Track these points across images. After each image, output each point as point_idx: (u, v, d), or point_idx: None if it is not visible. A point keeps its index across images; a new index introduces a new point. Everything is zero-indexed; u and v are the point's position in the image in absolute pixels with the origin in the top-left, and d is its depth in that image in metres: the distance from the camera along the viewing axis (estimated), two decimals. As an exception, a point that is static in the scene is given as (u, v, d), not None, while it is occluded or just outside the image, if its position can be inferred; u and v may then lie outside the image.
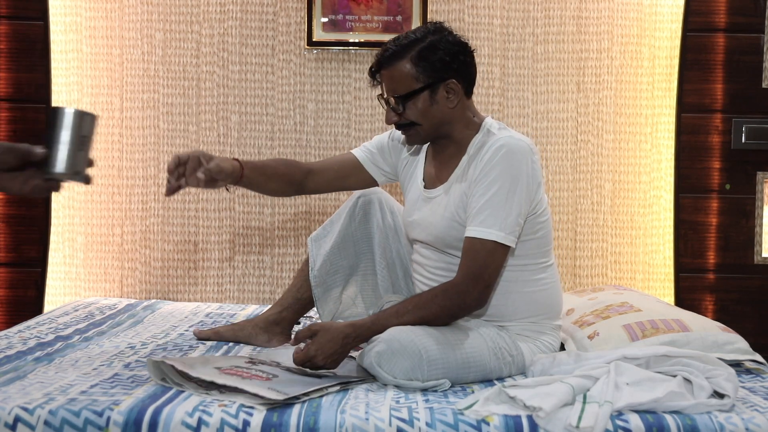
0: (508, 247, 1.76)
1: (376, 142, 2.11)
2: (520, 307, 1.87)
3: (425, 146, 2.01)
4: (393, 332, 1.68)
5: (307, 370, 1.71)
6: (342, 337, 1.69)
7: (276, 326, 2.13)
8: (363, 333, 1.72)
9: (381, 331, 1.70)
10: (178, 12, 2.93)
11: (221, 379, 1.57)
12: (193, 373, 1.60)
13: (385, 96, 1.87)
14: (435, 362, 1.67)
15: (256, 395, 1.51)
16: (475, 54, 1.88)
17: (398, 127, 1.90)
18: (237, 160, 1.90)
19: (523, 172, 1.76)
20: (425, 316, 1.73)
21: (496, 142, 1.78)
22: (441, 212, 1.87)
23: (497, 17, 2.94)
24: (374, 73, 1.87)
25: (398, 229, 2.15)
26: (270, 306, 2.24)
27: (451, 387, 1.69)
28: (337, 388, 1.63)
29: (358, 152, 2.11)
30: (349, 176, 2.10)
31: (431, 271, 1.93)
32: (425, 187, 1.96)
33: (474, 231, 1.75)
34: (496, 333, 1.83)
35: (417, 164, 2.02)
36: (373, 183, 2.13)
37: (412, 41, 1.81)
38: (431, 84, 1.81)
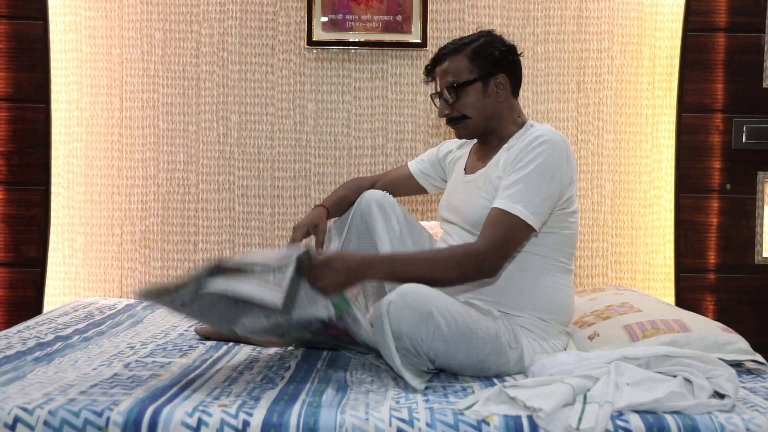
0: (531, 228, 1.80)
1: (429, 153, 2.27)
2: (532, 298, 1.89)
3: (472, 143, 2.12)
4: (410, 287, 1.69)
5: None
6: (359, 259, 1.75)
7: None
8: (377, 265, 1.77)
9: (393, 272, 1.76)
10: (178, 12, 2.93)
11: (235, 287, 1.54)
12: (206, 290, 1.57)
13: (439, 90, 1.98)
14: (440, 326, 1.68)
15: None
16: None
17: (450, 121, 1.99)
18: (323, 206, 2.17)
19: (557, 164, 1.82)
20: (438, 269, 1.76)
21: (536, 131, 1.86)
22: (476, 194, 1.93)
23: (497, 17, 2.93)
24: (430, 70, 2.01)
25: (404, 235, 2.14)
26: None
27: (451, 387, 1.69)
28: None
29: (412, 165, 2.28)
30: (404, 187, 2.30)
31: None
32: (465, 173, 2.05)
33: (501, 203, 1.80)
34: (503, 322, 1.84)
35: (462, 158, 2.13)
36: (423, 191, 2.30)
37: (468, 41, 1.97)
38: (484, 76, 1.93)
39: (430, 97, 2.05)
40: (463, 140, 2.16)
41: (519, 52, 2.00)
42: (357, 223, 2.13)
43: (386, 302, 1.67)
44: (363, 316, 1.78)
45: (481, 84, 1.94)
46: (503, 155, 1.92)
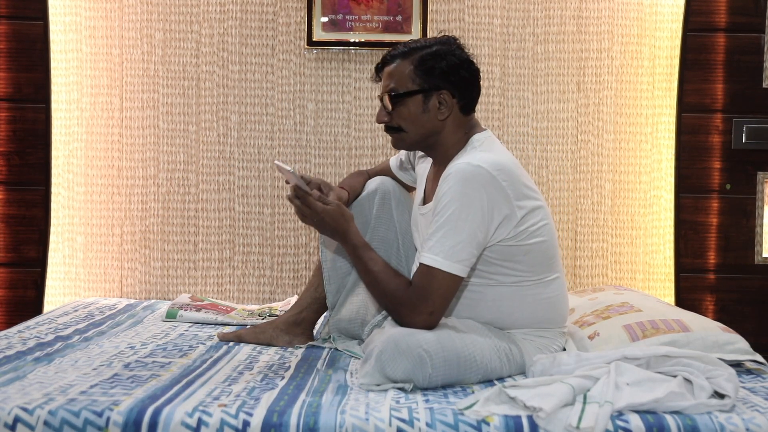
0: (457, 276, 1.73)
1: (404, 156, 2.20)
2: (519, 319, 1.87)
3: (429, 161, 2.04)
4: (395, 333, 1.67)
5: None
6: (342, 230, 1.84)
7: (296, 327, 2.13)
8: (346, 246, 1.86)
9: (353, 260, 1.85)
10: (178, 12, 2.93)
11: None
12: None
13: (380, 93, 1.90)
14: (437, 367, 1.66)
15: None
16: (478, 71, 1.90)
17: (386, 130, 1.92)
18: (343, 188, 2.11)
19: (476, 200, 1.72)
20: (375, 292, 1.83)
21: (455, 166, 1.75)
22: (426, 231, 1.86)
23: (497, 17, 2.93)
24: (379, 69, 1.91)
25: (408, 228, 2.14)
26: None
27: (451, 387, 1.69)
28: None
29: (392, 161, 2.21)
30: None
31: None
32: (423, 201, 1.98)
33: (423, 257, 1.75)
34: (497, 332, 1.83)
35: (424, 172, 2.04)
36: (408, 188, 2.20)
37: (420, 46, 1.85)
38: (425, 90, 1.83)
39: (378, 97, 1.93)
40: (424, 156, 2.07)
41: (477, 67, 1.88)
42: (377, 209, 2.10)
43: (378, 348, 1.65)
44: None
45: (422, 97, 1.83)
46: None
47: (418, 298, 1.73)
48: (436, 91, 1.83)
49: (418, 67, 1.82)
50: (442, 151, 1.89)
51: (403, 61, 1.84)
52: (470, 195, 1.71)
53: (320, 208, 1.83)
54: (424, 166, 2.06)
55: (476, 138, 1.86)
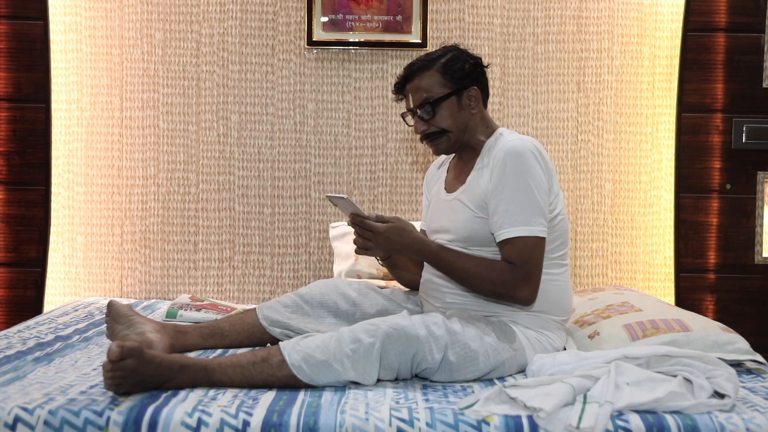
0: (543, 238, 1.85)
1: (424, 201, 2.25)
2: None
3: (448, 161, 2.14)
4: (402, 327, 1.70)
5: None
6: (411, 241, 1.86)
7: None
8: (425, 253, 1.88)
9: (439, 264, 1.87)
10: (178, 12, 2.93)
11: None
12: None
13: (412, 107, 1.98)
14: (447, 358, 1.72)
15: None
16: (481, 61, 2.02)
17: (427, 137, 2.00)
18: None
19: (530, 172, 1.84)
20: (478, 280, 1.84)
21: (506, 144, 1.88)
22: (462, 209, 1.94)
23: (497, 17, 2.93)
24: (400, 87, 2.01)
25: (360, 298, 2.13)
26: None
27: (451, 387, 1.69)
28: None
29: (422, 224, 2.23)
30: None
31: None
32: (446, 191, 2.05)
33: (507, 232, 1.82)
34: (500, 325, 1.85)
35: (440, 177, 2.13)
36: None
37: (435, 57, 1.98)
38: (457, 90, 1.96)
39: (401, 116, 2.06)
40: (440, 162, 2.19)
41: (485, 64, 2.03)
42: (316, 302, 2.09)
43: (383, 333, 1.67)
44: None
45: (456, 98, 1.96)
46: (482, 169, 1.93)
47: (525, 273, 1.82)
48: (465, 90, 1.96)
49: (445, 72, 1.95)
50: (473, 144, 2.00)
51: (427, 72, 1.96)
52: (529, 165, 1.84)
53: (381, 227, 1.87)
54: (438, 174, 2.15)
55: (500, 130, 2.00)
